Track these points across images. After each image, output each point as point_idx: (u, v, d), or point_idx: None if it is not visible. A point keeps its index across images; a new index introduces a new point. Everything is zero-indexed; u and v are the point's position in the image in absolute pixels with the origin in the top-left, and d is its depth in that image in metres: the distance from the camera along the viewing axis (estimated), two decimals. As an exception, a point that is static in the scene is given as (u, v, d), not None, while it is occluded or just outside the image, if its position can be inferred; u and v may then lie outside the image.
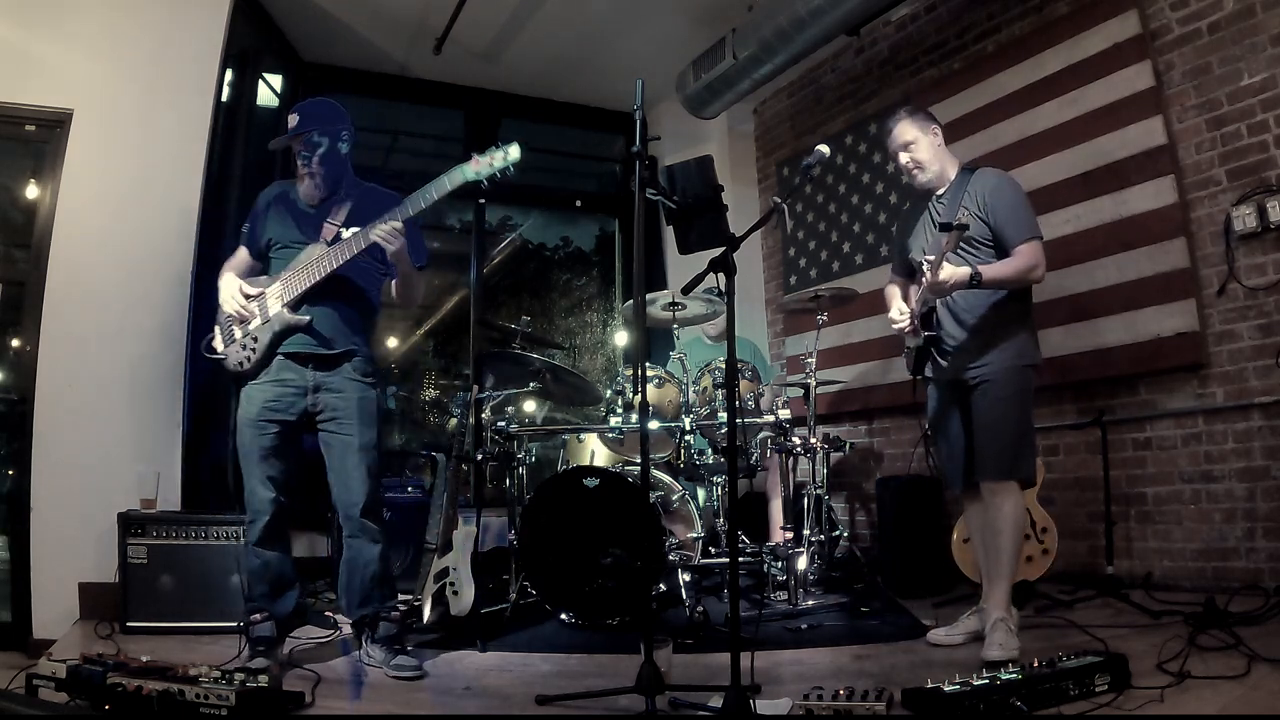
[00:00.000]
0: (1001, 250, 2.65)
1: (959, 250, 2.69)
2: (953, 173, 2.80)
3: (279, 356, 2.67)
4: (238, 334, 2.71)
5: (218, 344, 2.77)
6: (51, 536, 3.25)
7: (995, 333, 2.66)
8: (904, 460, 4.42)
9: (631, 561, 3.03)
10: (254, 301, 2.70)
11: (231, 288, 2.73)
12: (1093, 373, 3.61)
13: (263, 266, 2.82)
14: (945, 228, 2.56)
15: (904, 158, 2.82)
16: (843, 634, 2.95)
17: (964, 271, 2.55)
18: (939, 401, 2.84)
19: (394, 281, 2.81)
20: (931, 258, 2.54)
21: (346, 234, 2.64)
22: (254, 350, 2.67)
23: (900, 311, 2.83)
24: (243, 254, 2.86)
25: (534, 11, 4.73)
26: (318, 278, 2.63)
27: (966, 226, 2.53)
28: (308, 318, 2.66)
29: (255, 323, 2.69)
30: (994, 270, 2.59)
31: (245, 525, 2.71)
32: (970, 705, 1.88)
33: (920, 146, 2.78)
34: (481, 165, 2.52)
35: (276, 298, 2.67)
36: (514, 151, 2.52)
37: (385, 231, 2.53)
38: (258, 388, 2.68)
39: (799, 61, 4.63)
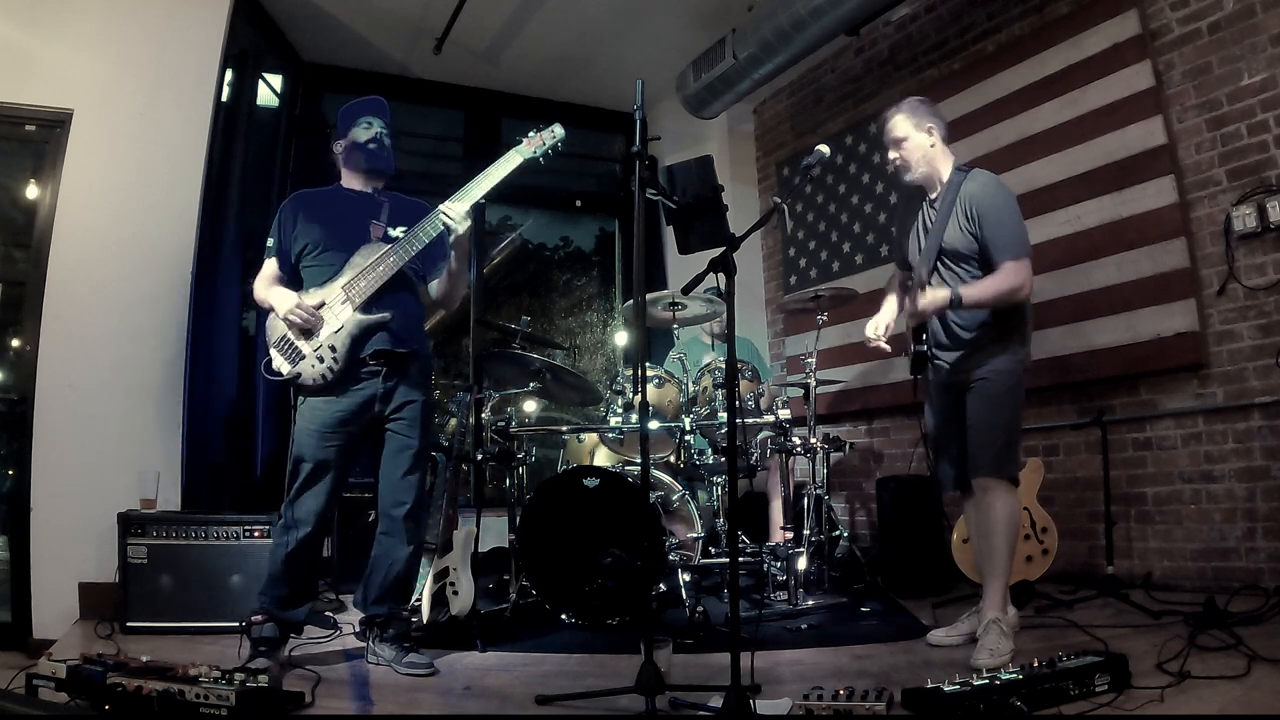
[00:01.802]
0: (987, 264, 2.62)
1: (945, 265, 2.70)
2: (946, 174, 2.75)
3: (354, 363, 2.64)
4: (306, 349, 2.61)
5: (280, 365, 2.64)
6: (51, 536, 3.26)
7: (989, 334, 2.65)
8: (904, 460, 4.43)
9: (631, 561, 3.03)
10: (319, 311, 2.62)
11: (290, 299, 2.62)
12: (1093, 373, 3.61)
13: (291, 280, 2.74)
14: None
15: (893, 154, 2.79)
16: (843, 634, 2.95)
17: (943, 295, 2.57)
18: (934, 402, 2.84)
19: (439, 280, 2.82)
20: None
21: (395, 232, 2.71)
22: (335, 360, 2.60)
23: (875, 330, 2.85)
24: (272, 267, 2.76)
25: (534, 11, 4.73)
26: (386, 276, 2.64)
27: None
28: (388, 314, 2.65)
29: (325, 332, 2.61)
30: (974, 292, 2.58)
31: (279, 528, 2.65)
32: (970, 705, 1.88)
33: (909, 146, 2.74)
34: (535, 144, 2.70)
35: (343, 303, 2.63)
36: (559, 130, 2.72)
37: (456, 213, 2.62)
38: (325, 400, 2.63)
39: (799, 61, 4.63)
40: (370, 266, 2.64)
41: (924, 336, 2.72)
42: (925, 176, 2.76)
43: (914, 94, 4.50)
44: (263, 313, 2.77)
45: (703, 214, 2.36)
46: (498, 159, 2.70)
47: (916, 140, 2.73)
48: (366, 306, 2.64)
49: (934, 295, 2.58)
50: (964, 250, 2.65)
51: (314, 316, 2.60)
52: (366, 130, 2.80)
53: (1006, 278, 2.56)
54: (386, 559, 2.72)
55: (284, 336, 2.65)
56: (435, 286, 2.85)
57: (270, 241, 2.78)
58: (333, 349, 2.62)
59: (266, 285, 2.74)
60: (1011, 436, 2.67)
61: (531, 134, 2.71)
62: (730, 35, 4.62)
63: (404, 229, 2.72)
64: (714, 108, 5.14)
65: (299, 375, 2.63)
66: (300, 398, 2.69)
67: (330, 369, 2.61)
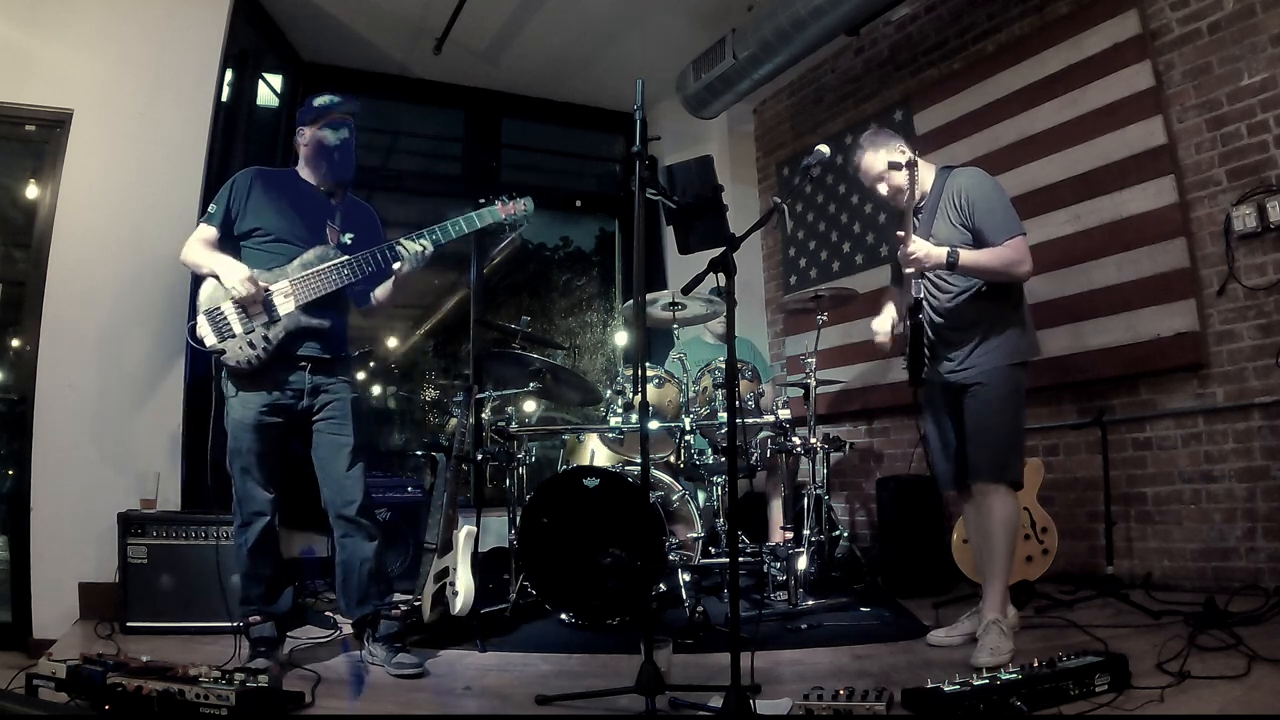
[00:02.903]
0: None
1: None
2: (929, 181, 2.76)
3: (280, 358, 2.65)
4: (238, 328, 2.60)
5: (207, 336, 2.59)
6: (51, 536, 3.25)
7: (983, 335, 2.65)
8: (904, 460, 4.43)
9: (631, 561, 3.03)
10: (262, 298, 2.62)
11: (241, 270, 2.58)
12: (1093, 373, 3.61)
13: (229, 251, 2.68)
14: (895, 165, 2.61)
15: (882, 188, 2.78)
16: (843, 634, 2.95)
17: (940, 252, 2.55)
18: (931, 404, 2.84)
19: (379, 290, 2.86)
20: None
21: (347, 238, 2.76)
22: (265, 350, 2.61)
23: (882, 326, 2.84)
24: (210, 233, 2.68)
25: (534, 11, 4.73)
26: (338, 285, 2.67)
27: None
28: (327, 323, 2.67)
29: (261, 320, 2.61)
30: (973, 256, 2.56)
31: (237, 528, 2.67)
32: (970, 705, 1.88)
33: (894, 173, 2.72)
34: (508, 211, 2.80)
35: (287, 296, 2.63)
36: (530, 205, 2.85)
37: (416, 253, 2.68)
38: (253, 394, 2.64)
39: (799, 61, 4.63)
40: (323, 272, 2.66)
41: (923, 339, 2.70)
42: (919, 192, 2.73)
43: (914, 94, 4.56)
44: (195, 278, 2.71)
45: (703, 214, 2.36)
46: (471, 213, 2.77)
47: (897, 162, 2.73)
48: (308, 308, 2.65)
49: (930, 250, 2.56)
50: (957, 243, 2.63)
51: (260, 294, 2.60)
52: (334, 134, 2.77)
53: (1006, 251, 2.56)
54: (356, 560, 2.71)
55: (218, 308, 2.61)
56: (377, 293, 2.88)
57: (213, 208, 2.72)
58: (265, 339, 2.61)
59: (203, 249, 2.66)
60: (1012, 440, 2.65)
61: (505, 199, 2.81)
62: (730, 35, 4.62)
63: (352, 235, 2.77)
64: (714, 108, 5.14)
65: (224, 352, 2.60)
66: (227, 389, 2.66)
67: (258, 357, 2.61)
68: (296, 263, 2.67)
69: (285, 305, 2.63)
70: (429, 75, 5.39)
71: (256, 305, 2.61)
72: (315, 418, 2.71)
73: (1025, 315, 2.71)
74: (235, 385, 2.66)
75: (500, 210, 2.79)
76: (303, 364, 2.68)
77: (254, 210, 2.70)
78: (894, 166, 2.66)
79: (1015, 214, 2.65)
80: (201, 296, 2.65)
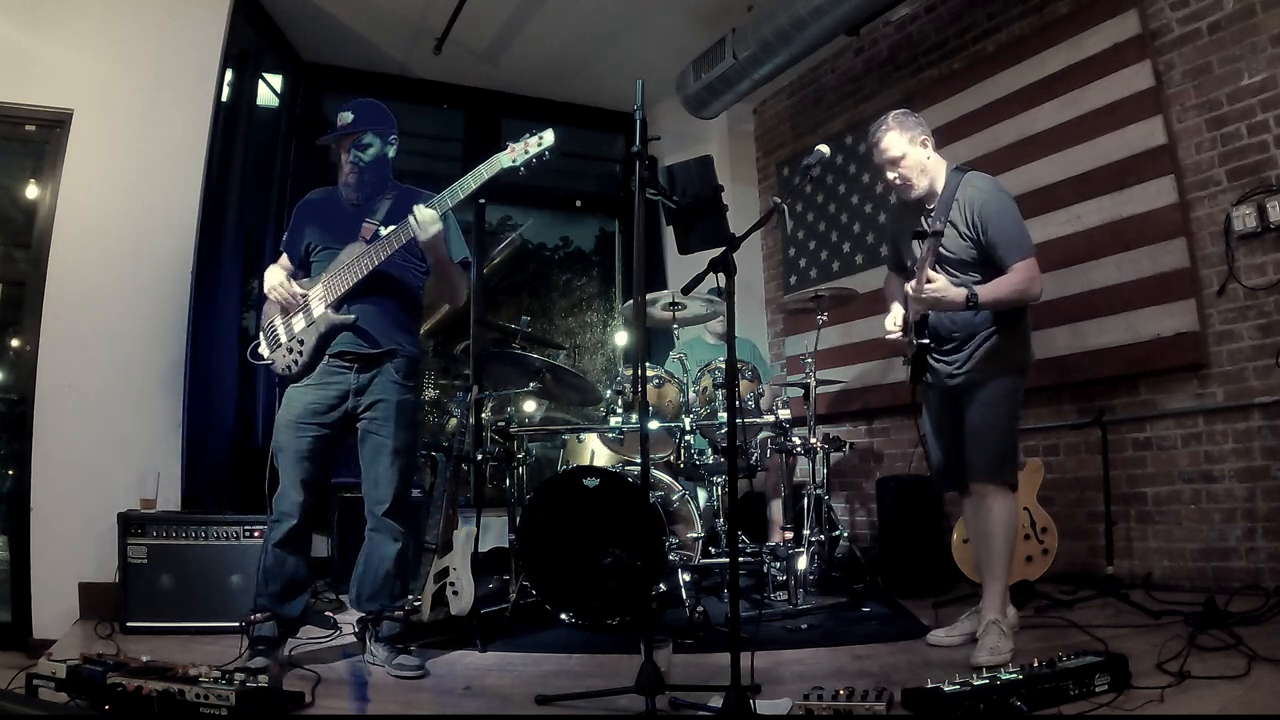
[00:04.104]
0: (990, 266, 2.58)
1: (946, 272, 2.62)
2: (942, 179, 2.68)
3: (325, 358, 2.68)
4: (283, 337, 2.70)
5: (263, 349, 2.76)
6: (51, 536, 3.26)
7: (986, 339, 2.63)
8: (904, 460, 4.43)
9: (631, 561, 3.03)
10: (299, 301, 2.70)
11: (276, 276, 2.73)
12: (1093, 373, 3.61)
13: (304, 274, 2.81)
14: (919, 235, 2.50)
15: (891, 174, 2.69)
16: (843, 634, 2.95)
17: (959, 293, 2.49)
18: (931, 406, 2.83)
19: (431, 277, 2.84)
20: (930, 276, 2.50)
21: (385, 231, 2.67)
22: (300, 353, 2.67)
23: (894, 323, 2.75)
24: (283, 260, 2.86)
25: (534, 11, 4.74)
26: (359, 276, 2.64)
27: (940, 233, 2.47)
28: (353, 316, 2.67)
29: (300, 325, 2.69)
30: (990, 291, 2.52)
31: (269, 523, 2.68)
32: (970, 705, 1.88)
33: (908, 164, 2.64)
34: (517, 152, 2.59)
35: (319, 299, 2.67)
36: (549, 137, 2.59)
37: (420, 218, 2.55)
38: (300, 390, 2.69)
39: (799, 61, 4.63)
40: (348, 266, 2.66)
41: (926, 329, 2.68)
42: (927, 189, 2.69)
43: (914, 94, 4.56)
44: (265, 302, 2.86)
45: (703, 214, 2.36)
46: (479, 166, 2.64)
47: (914, 156, 2.65)
48: (338, 305, 2.66)
49: (947, 288, 2.49)
50: (965, 258, 2.61)
51: (292, 296, 2.69)
52: (346, 155, 2.77)
53: (1019, 277, 2.53)
54: (375, 557, 2.73)
55: (271, 322, 2.75)
56: (429, 282, 2.87)
57: (285, 236, 2.91)
58: (301, 342, 2.69)
59: (269, 270, 2.84)
60: (1009, 441, 2.65)
61: (519, 140, 2.63)
62: (730, 35, 4.62)
63: (394, 227, 2.68)
64: (714, 108, 5.14)
65: (273, 362, 2.73)
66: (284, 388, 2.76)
67: (296, 361, 2.69)
68: (333, 264, 2.70)
69: (318, 307, 2.68)
70: (429, 75, 5.40)
71: (297, 311, 2.70)
72: (361, 416, 2.72)
73: (1027, 323, 2.71)
74: (287, 386, 2.74)
75: (508, 155, 2.61)
76: (347, 363, 2.69)
77: (307, 229, 2.80)
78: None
79: (1027, 232, 2.60)
80: (263, 316, 2.79)
